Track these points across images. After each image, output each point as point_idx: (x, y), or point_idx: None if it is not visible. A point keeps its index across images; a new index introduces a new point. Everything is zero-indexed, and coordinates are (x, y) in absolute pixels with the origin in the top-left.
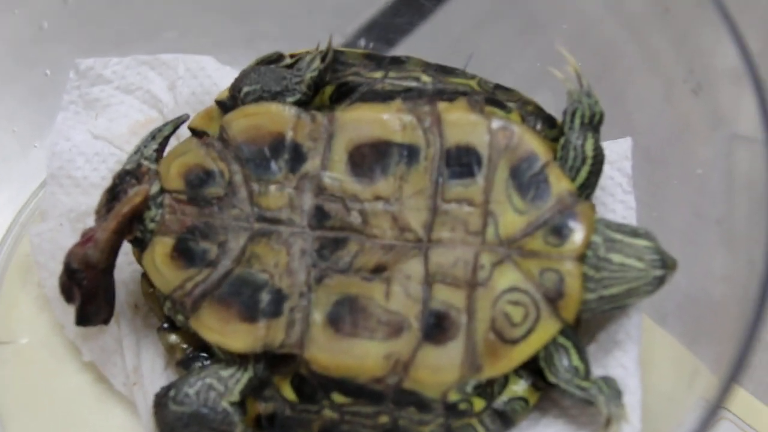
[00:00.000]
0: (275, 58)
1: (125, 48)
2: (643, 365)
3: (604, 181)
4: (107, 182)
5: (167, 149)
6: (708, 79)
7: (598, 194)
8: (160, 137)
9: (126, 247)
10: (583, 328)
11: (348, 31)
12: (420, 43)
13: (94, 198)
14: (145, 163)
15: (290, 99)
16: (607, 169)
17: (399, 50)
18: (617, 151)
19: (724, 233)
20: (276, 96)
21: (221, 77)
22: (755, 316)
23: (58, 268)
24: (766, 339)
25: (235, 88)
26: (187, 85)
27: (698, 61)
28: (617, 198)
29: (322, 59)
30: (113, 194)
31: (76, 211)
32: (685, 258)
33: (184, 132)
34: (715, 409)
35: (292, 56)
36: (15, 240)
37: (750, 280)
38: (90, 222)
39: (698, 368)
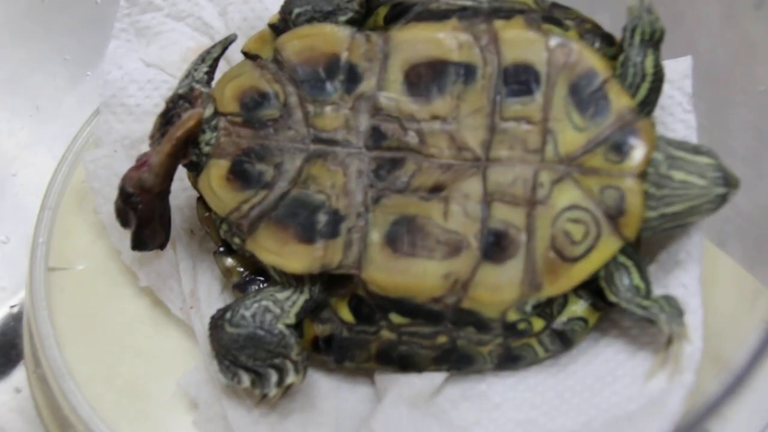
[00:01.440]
0: None
1: None
2: (704, 286)
3: (663, 100)
4: (160, 109)
5: (218, 72)
6: None
7: (658, 113)
8: (210, 59)
9: (181, 173)
10: (643, 248)
11: None
12: None
13: (147, 125)
14: (197, 86)
15: (342, 18)
16: (667, 88)
17: None
18: (677, 69)
19: None
20: (328, 15)
21: (272, 1)
22: None
23: (113, 193)
24: None
25: (286, 9)
26: (238, 10)
27: None
28: (677, 117)
29: None
30: (166, 118)
31: (130, 138)
32: (745, 179)
33: (236, 57)
34: None
35: None
36: (70, 167)
37: None
38: (144, 148)
39: (759, 290)
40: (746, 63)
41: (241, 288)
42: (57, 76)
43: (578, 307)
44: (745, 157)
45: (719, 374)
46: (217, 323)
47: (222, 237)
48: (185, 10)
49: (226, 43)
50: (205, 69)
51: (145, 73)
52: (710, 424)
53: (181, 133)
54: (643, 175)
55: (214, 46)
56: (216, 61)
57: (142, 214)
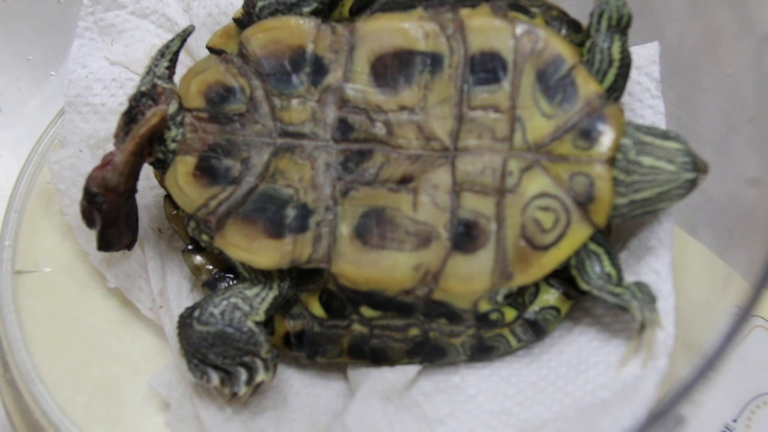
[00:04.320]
0: None
1: None
2: (676, 272)
3: (631, 86)
4: (125, 107)
5: (182, 68)
6: None
7: (626, 100)
8: (170, 54)
9: (148, 172)
10: (614, 235)
11: None
12: None
13: (112, 124)
14: (159, 82)
15: (307, 9)
16: (634, 74)
17: None
18: (644, 55)
19: (756, 134)
20: (292, 7)
21: None
22: None
23: (79, 194)
24: None
25: (250, 3)
26: (203, 6)
27: None
28: (645, 103)
29: None
30: (130, 116)
31: (96, 137)
32: (714, 165)
33: (201, 53)
34: (747, 315)
35: None
36: (35, 169)
37: None
38: (109, 148)
39: (731, 275)
40: (713, 49)
41: (210, 286)
42: (20, 78)
43: (550, 296)
44: (713, 143)
45: (692, 359)
46: (185, 321)
47: (190, 235)
48: (149, 7)
49: (185, 35)
50: (166, 64)
51: (109, 71)
52: (684, 408)
53: (145, 131)
54: (612, 161)
55: (172, 40)
56: (176, 54)
57: (107, 213)
